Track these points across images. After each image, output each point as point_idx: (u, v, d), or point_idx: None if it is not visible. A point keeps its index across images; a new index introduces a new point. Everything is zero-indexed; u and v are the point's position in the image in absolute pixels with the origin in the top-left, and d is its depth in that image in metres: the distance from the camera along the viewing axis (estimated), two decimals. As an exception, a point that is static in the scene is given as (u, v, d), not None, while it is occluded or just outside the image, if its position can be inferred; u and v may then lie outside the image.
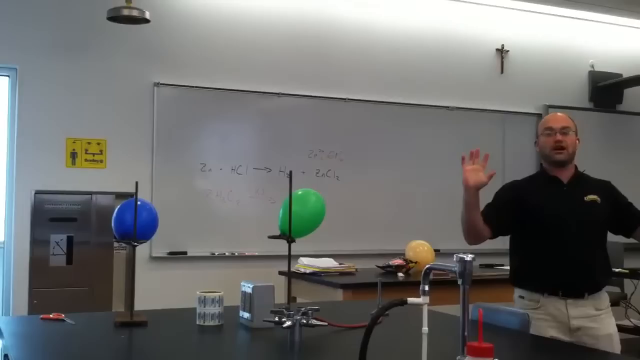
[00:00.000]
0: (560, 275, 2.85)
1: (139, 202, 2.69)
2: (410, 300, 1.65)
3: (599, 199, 2.92)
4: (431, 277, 4.57)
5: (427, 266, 1.70)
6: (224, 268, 5.41)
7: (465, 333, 1.56)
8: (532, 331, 2.65)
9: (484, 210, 2.95)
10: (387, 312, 2.72)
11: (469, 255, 1.59)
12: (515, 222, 2.96)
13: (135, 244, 2.61)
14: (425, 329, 1.61)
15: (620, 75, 7.04)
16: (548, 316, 2.82)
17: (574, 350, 2.41)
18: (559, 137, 2.92)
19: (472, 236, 2.95)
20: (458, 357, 1.52)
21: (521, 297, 2.94)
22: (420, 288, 1.66)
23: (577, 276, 2.85)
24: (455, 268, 1.59)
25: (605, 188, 3.01)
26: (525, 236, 2.97)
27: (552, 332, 2.78)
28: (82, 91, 5.26)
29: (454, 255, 1.60)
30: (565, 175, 2.98)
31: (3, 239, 5.13)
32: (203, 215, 5.52)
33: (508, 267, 5.16)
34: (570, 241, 2.87)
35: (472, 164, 2.93)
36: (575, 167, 3.02)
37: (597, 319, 2.85)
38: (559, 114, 3.06)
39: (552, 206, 2.92)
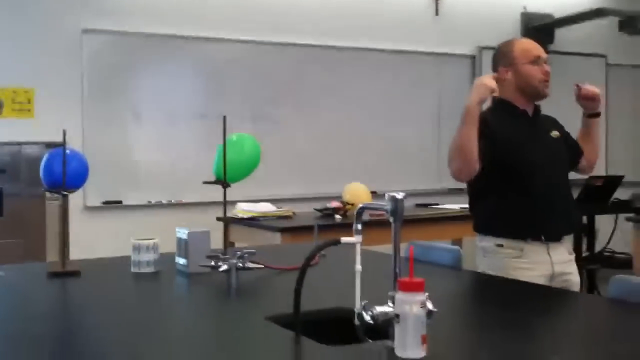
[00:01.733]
0: (543, 218, 2.64)
1: (68, 151, 2.61)
2: (344, 239, 1.66)
3: (559, 134, 2.78)
4: (367, 217, 4.62)
5: (360, 205, 1.71)
6: (161, 216, 5.35)
7: (397, 269, 1.58)
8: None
9: None
10: (324, 254, 2.77)
11: (401, 194, 1.60)
12: (492, 161, 2.60)
13: (65, 193, 2.55)
14: (358, 267, 1.63)
15: (552, 15, 7.13)
16: (532, 264, 2.61)
17: (505, 284, 2.48)
18: (547, 68, 2.66)
19: (468, 164, 2.57)
20: (389, 292, 1.54)
21: (499, 245, 2.64)
22: (353, 227, 1.67)
23: (558, 217, 2.67)
24: (388, 206, 1.60)
25: (556, 123, 2.85)
26: (500, 178, 2.65)
27: (535, 281, 2.49)
28: (7, 38, 5.04)
29: (385, 194, 1.61)
30: (530, 110, 2.75)
31: None
32: (138, 164, 5.43)
33: (444, 206, 5.34)
34: (547, 181, 2.66)
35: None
36: None
37: (570, 264, 2.73)
38: (531, 40, 2.75)
39: (526, 144, 2.66)
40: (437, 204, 5.56)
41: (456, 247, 2.72)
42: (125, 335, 1.75)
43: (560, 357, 1.55)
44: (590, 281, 5.77)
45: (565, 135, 2.85)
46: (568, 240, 2.74)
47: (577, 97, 2.82)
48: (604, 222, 6.13)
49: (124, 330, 1.79)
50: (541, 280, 2.55)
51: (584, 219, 5.72)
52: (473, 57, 6.78)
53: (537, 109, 2.79)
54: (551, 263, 2.64)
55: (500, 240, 2.65)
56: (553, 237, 2.66)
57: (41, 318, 1.93)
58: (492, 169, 2.61)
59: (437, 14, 6.67)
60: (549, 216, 2.66)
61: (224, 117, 2.48)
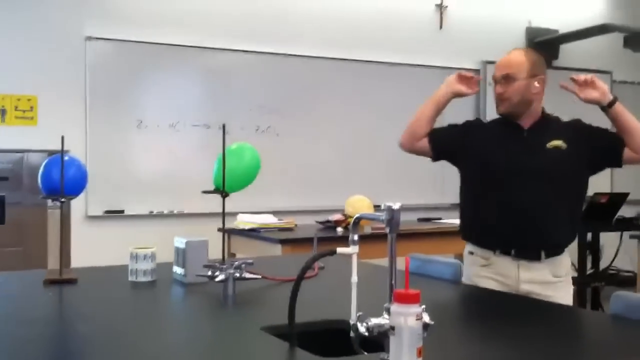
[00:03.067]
0: (514, 233, 2.59)
1: (66, 158, 2.61)
2: (340, 250, 1.64)
3: (564, 145, 2.62)
4: (369, 231, 4.57)
5: (357, 215, 1.69)
6: (162, 226, 5.33)
7: (393, 281, 1.56)
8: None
9: (433, 129, 2.81)
10: (322, 266, 2.75)
11: (397, 204, 1.58)
12: (462, 163, 2.77)
13: (63, 199, 2.53)
14: (354, 278, 1.61)
15: (557, 31, 7.12)
16: (497, 275, 2.61)
17: (505, 298, 2.45)
18: (498, 89, 2.66)
19: (412, 135, 2.82)
20: (385, 304, 1.52)
21: (471, 252, 2.71)
22: (350, 237, 1.65)
23: (533, 236, 2.59)
24: (383, 217, 1.58)
25: (574, 128, 2.70)
26: (475, 186, 2.72)
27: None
28: (10, 44, 5.06)
29: (382, 204, 1.59)
30: (526, 122, 2.68)
31: None
32: (141, 173, 5.42)
33: (446, 221, 5.31)
34: (525, 194, 2.58)
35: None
36: (543, 111, 2.73)
37: (553, 286, 2.59)
38: (507, 56, 2.70)
39: (507, 154, 2.64)
40: (440, 219, 5.53)
41: (456, 260, 2.69)
42: (117, 343, 1.73)
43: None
44: (594, 299, 5.72)
45: (585, 135, 2.67)
46: (555, 262, 2.62)
47: (579, 99, 2.68)
48: (608, 240, 6.09)
49: (116, 339, 1.77)
50: (507, 290, 2.57)
51: (589, 236, 5.69)
52: (477, 71, 6.76)
53: (540, 120, 2.70)
54: (517, 280, 2.59)
55: (472, 248, 2.73)
56: (527, 255, 2.60)
57: (33, 324, 1.91)
58: (466, 175, 2.77)
59: (441, 27, 6.67)
60: (524, 233, 2.59)
61: (223, 125, 2.47)
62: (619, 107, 2.59)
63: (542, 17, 7.13)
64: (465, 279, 2.65)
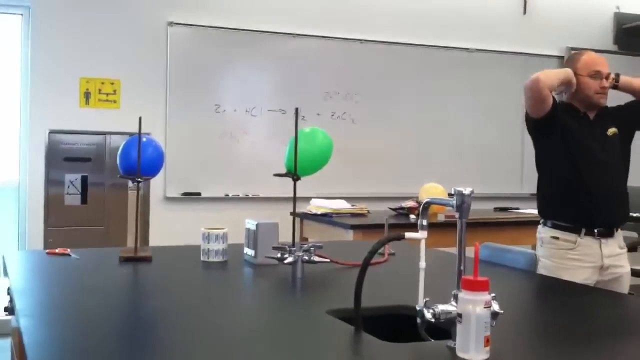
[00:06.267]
0: (598, 214, 2.84)
1: (144, 139, 2.67)
2: (408, 234, 1.61)
3: (616, 130, 2.93)
4: (443, 219, 4.51)
5: (426, 200, 1.65)
6: (237, 209, 5.40)
7: (462, 267, 1.52)
8: (563, 274, 2.68)
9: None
10: (393, 252, 2.73)
11: (468, 189, 1.54)
12: (554, 141, 2.91)
13: (140, 180, 2.59)
14: (422, 263, 1.58)
15: (647, 17, 6.82)
16: (583, 256, 2.81)
17: (578, 289, 2.37)
18: (605, 83, 2.90)
19: (549, 85, 2.85)
20: (454, 291, 1.48)
21: (555, 237, 2.87)
22: (418, 222, 1.62)
23: (612, 214, 2.88)
24: (453, 202, 1.54)
25: (617, 113, 3.00)
26: (566, 169, 2.90)
27: (584, 273, 2.77)
28: (95, 30, 5.21)
29: (452, 189, 1.56)
30: (592, 114, 2.97)
31: (18, 178, 5.16)
32: (217, 157, 5.50)
33: (524, 211, 5.18)
34: (603, 178, 2.87)
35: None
36: None
37: (621, 257, 2.89)
38: (600, 56, 2.99)
39: (585, 142, 2.90)
40: (518, 209, 5.40)
41: (531, 251, 2.62)
42: (185, 319, 1.75)
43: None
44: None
45: (624, 113, 2.99)
46: (619, 235, 2.91)
47: None
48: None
49: (184, 315, 1.80)
50: (589, 271, 2.80)
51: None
52: (562, 58, 6.54)
53: (600, 112, 2.97)
54: (601, 256, 2.83)
55: (556, 233, 2.87)
56: (606, 232, 2.85)
57: (107, 297, 1.97)
58: (562, 159, 2.90)
59: (525, 12, 6.48)
60: (606, 212, 2.86)
61: (296, 109, 2.47)
62: (624, 80, 2.98)
63: (632, 2, 6.82)
64: (543, 266, 2.76)
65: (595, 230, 2.83)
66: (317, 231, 4.66)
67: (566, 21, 6.58)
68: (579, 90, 2.91)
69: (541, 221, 2.98)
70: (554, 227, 2.89)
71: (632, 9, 6.81)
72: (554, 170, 2.95)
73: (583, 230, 2.83)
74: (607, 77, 2.91)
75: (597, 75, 2.89)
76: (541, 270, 2.71)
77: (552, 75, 2.87)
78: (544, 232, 2.93)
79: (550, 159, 2.96)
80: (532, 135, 3.03)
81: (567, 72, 2.91)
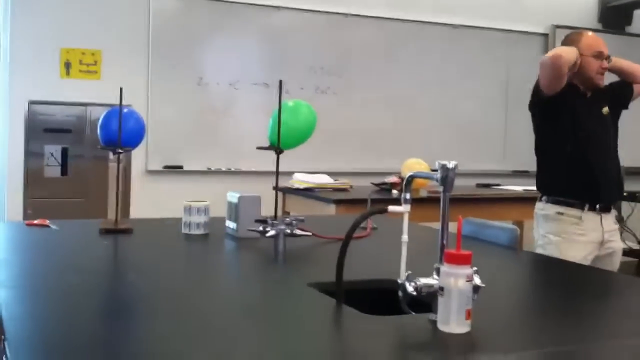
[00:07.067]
0: (601, 190, 2.97)
1: (125, 110, 2.63)
2: (391, 208, 1.60)
3: (608, 109, 3.04)
4: (426, 194, 4.51)
5: (409, 174, 1.64)
6: (220, 183, 5.37)
7: (444, 241, 1.52)
8: (569, 248, 2.84)
9: None
10: (375, 226, 2.72)
11: (452, 162, 1.53)
12: (560, 118, 2.98)
13: (120, 150, 2.56)
14: (405, 237, 1.57)
15: (632, -5, 6.83)
16: (587, 232, 2.93)
17: (561, 264, 2.39)
18: (605, 64, 2.98)
19: (560, 77, 2.90)
20: (435, 264, 1.48)
21: (560, 213, 2.97)
22: (402, 196, 1.61)
23: (612, 190, 3.02)
24: (437, 175, 1.53)
25: (607, 92, 3.08)
26: (571, 147, 2.98)
27: (588, 247, 2.92)
28: (76, 0, 5.12)
29: (437, 162, 1.55)
30: (589, 93, 3.07)
31: (-3, 149, 5.11)
32: (200, 130, 5.46)
33: (506, 187, 5.20)
34: (603, 155, 3.00)
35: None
36: None
37: (616, 233, 3.05)
38: (596, 35, 3.08)
39: (588, 121, 3.00)
40: (499, 185, 5.42)
41: (513, 226, 2.62)
42: (166, 293, 1.74)
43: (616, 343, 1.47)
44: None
45: (613, 95, 3.08)
46: (613, 211, 3.05)
47: None
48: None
49: (164, 288, 1.78)
50: (592, 246, 2.94)
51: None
52: (546, 36, 6.54)
53: (594, 92, 3.05)
54: (602, 231, 2.96)
55: (561, 209, 2.97)
56: (606, 208, 2.98)
57: (86, 271, 1.94)
58: (567, 136, 2.97)
59: (510, -11, 6.46)
60: (605, 188, 2.98)
61: (280, 81, 2.44)
62: (614, 61, 3.03)
63: (617, -20, 6.82)
64: (550, 242, 2.94)
65: (597, 206, 2.94)
66: (300, 206, 4.65)
67: (551, -1, 6.57)
68: (581, 70, 2.96)
69: (543, 198, 3.06)
70: (558, 203, 2.98)
71: (617, -13, 6.82)
72: (558, 147, 3.01)
73: (587, 206, 2.93)
74: (607, 58, 2.98)
75: (599, 55, 2.96)
76: (547, 246, 2.88)
77: (570, 52, 2.92)
78: (547, 208, 3.01)
79: (554, 137, 3.02)
80: (537, 112, 3.07)
81: (577, 51, 2.96)
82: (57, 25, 5.08)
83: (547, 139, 3.07)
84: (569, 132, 2.98)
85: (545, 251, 2.94)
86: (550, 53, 2.94)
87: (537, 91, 3.00)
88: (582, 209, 2.94)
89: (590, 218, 2.94)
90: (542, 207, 3.04)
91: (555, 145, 3.04)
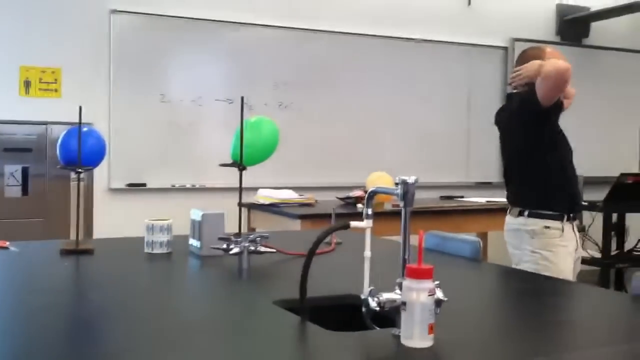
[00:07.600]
0: (578, 200, 3.13)
1: (85, 129, 2.61)
2: (354, 224, 1.61)
3: None
4: (390, 207, 4.53)
5: (371, 189, 1.66)
6: (184, 199, 5.33)
7: (406, 256, 1.52)
8: (559, 261, 2.91)
9: None
10: (340, 241, 2.73)
11: (412, 178, 1.55)
12: (552, 128, 3.04)
13: (80, 170, 2.53)
14: (367, 252, 1.58)
15: (588, 8, 6.97)
16: (567, 242, 2.99)
17: (524, 275, 2.41)
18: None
19: (563, 90, 2.98)
20: (398, 279, 1.49)
21: (547, 227, 2.98)
22: (364, 212, 1.62)
23: (581, 199, 3.21)
24: (398, 190, 1.54)
25: None
26: (558, 155, 3.05)
27: (571, 258, 2.99)
28: (36, 18, 5.07)
29: (397, 177, 1.56)
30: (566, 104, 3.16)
31: (-45, 170, 5.00)
32: (163, 147, 5.42)
33: (469, 200, 5.25)
34: (572, 165, 3.10)
35: None
36: None
37: (579, 240, 3.12)
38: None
39: (562, 131, 3.08)
40: (462, 197, 5.47)
41: (476, 238, 2.64)
42: (128, 313, 1.72)
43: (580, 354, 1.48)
44: (618, 280, 5.64)
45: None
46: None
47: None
48: (634, 221, 5.99)
49: (127, 309, 1.76)
50: (572, 256, 3.00)
51: (614, 217, 5.60)
52: (505, 49, 6.65)
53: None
54: (576, 240, 3.05)
55: (547, 222, 2.98)
56: (575, 217, 3.05)
57: (47, 292, 1.91)
58: (555, 144, 3.03)
59: (469, 4, 6.55)
60: (578, 198, 3.14)
61: (242, 98, 2.45)
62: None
63: (573, -6, 6.97)
64: (543, 258, 2.95)
65: (571, 215, 3.02)
66: (265, 221, 4.64)
67: (510, 12, 6.68)
68: None
69: (525, 213, 3.02)
70: (541, 217, 2.99)
71: (574, 0, 6.96)
72: (543, 160, 3.03)
73: (565, 217, 2.99)
74: None
75: None
76: (540, 262, 2.89)
77: (568, 65, 2.96)
78: (531, 223, 3.00)
79: (539, 149, 3.03)
80: (527, 124, 3.03)
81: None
82: (16, 42, 5.02)
83: (530, 152, 3.07)
84: (556, 143, 3.05)
85: (539, 266, 2.90)
86: (551, 67, 2.90)
87: (533, 102, 2.95)
88: (562, 220, 2.99)
89: (568, 229, 3.00)
90: (525, 222, 3.03)
91: (539, 158, 3.05)
